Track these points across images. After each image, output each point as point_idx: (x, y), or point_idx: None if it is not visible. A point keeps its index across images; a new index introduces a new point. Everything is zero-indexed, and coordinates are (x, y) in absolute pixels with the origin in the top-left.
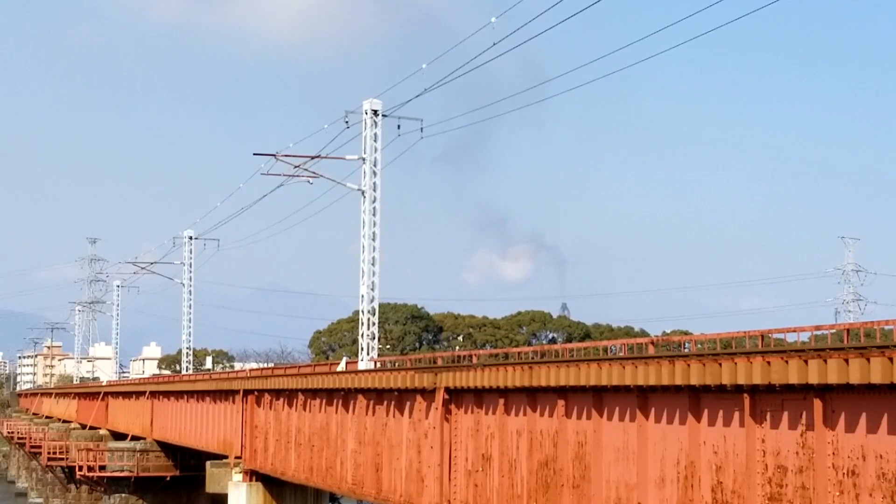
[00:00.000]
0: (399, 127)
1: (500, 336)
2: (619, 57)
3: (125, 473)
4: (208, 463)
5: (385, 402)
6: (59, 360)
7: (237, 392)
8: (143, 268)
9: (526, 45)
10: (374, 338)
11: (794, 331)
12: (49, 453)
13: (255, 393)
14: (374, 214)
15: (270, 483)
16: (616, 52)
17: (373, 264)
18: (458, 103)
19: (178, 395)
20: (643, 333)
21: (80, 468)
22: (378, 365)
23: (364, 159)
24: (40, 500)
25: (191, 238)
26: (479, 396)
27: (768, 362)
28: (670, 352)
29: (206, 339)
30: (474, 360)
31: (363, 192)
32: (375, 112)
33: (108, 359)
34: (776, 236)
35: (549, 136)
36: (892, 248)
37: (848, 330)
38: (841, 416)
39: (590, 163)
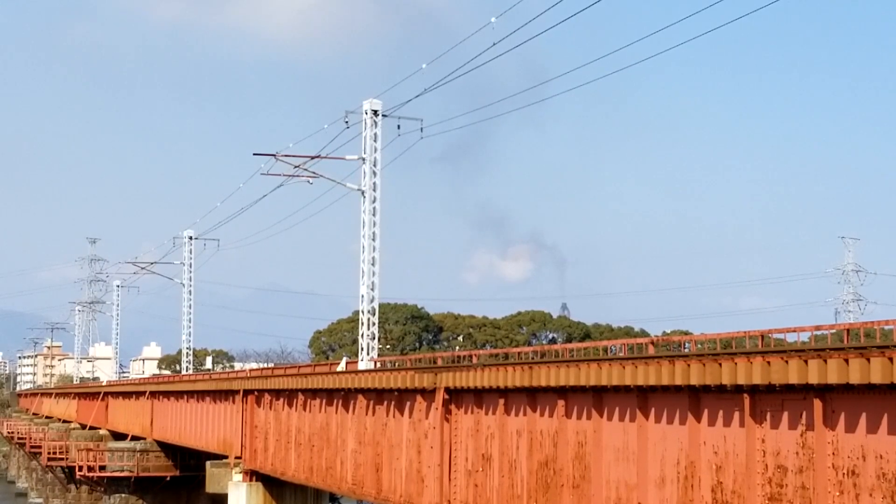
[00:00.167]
0: (399, 127)
1: (500, 336)
2: (619, 57)
3: (125, 473)
4: (208, 463)
5: (385, 403)
6: (59, 360)
7: (237, 392)
8: (143, 268)
9: (526, 45)
10: (374, 338)
11: (794, 331)
12: (49, 453)
13: (255, 393)
14: (373, 214)
15: (270, 483)
16: (616, 52)
17: (373, 264)
18: (458, 103)
19: (178, 395)
20: (643, 333)
21: (80, 468)
22: (378, 365)
23: (364, 159)
24: (40, 500)
25: (191, 238)
26: (479, 396)
27: (768, 362)
28: (670, 352)
29: (206, 339)
30: (474, 360)
31: (363, 192)
32: (375, 112)
33: (108, 359)
34: (776, 236)
35: (549, 135)
36: (892, 248)
37: (848, 330)
38: (841, 416)
39: (589, 163)
